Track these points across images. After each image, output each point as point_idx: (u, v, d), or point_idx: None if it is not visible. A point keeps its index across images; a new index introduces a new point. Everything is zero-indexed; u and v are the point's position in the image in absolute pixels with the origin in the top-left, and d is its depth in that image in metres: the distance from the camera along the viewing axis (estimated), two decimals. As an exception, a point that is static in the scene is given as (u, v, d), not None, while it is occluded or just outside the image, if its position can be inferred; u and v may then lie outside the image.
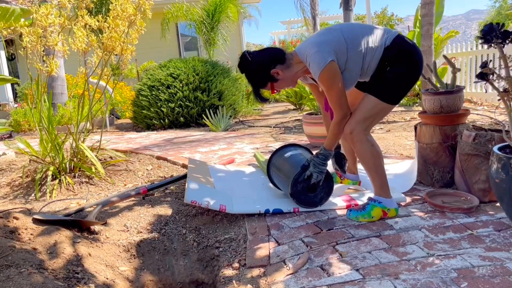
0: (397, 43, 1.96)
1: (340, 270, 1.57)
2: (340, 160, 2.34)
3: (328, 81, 1.89)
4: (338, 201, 2.29)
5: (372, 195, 2.12)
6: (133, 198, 2.68)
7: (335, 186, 2.54)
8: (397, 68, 1.95)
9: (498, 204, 2.06)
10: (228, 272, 1.78)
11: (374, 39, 1.96)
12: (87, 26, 3.08)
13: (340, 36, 1.94)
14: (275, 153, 2.55)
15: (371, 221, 2.01)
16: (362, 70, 2.00)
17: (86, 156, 3.16)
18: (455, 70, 2.38)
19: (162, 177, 3.30)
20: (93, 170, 3.12)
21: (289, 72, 2.02)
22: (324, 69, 1.86)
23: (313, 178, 2.12)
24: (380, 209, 2.01)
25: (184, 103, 6.67)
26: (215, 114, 6.37)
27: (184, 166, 3.49)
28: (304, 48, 1.99)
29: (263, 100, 2.12)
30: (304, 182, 2.18)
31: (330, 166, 2.90)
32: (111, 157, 3.59)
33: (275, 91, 2.06)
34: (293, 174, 2.20)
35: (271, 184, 2.67)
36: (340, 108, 1.95)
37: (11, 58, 12.46)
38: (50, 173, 2.97)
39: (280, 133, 5.26)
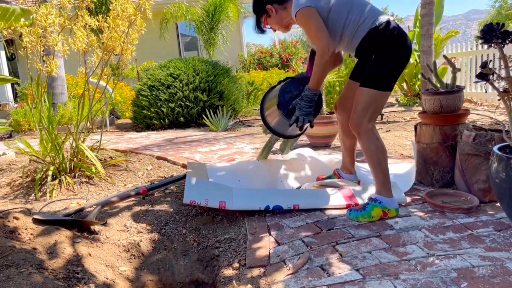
0: (381, 30, 1.99)
1: (340, 270, 1.57)
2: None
3: (304, 18, 2.00)
4: (338, 197, 2.27)
5: (373, 191, 2.11)
6: (133, 198, 2.68)
7: (329, 181, 2.55)
8: (379, 56, 2.02)
9: (498, 204, 2.06)
10: (228, 272, 1.78)
11: (365, 10, 2.02)
12: (87, 26, 3.08)
13: None
14: (263, 100, 2.45)
15: (371, 221, 2.01)
16: (344, 35, 2.06)
17: (86, 156, 3.16)
18: (455, 70, 2.38)
19: (162, 177, 3.30)
20: (93, 170, 3.12)
21: (284, 13, 2.16)
22: (300, 10, 2.00)
23: (299, 122, 2.07)
24: (381, 209, 2.01)
25: (184, 103, 6.67)
26: (215, 114, 6.37)
27: (184, 166, 3.49)
28: None
29: (261, 31, 2.28)
30: (292, 92, 2.14)
31: (329, 167, 2.92)
32: (111, 157, 3.59)
33: (267, 26, 2.24)
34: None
35: (270, 172, 2.65)
36: (319, 40, 1.97)
37: (11, 58, 12.46)
38: (50, 173, 2.97)
39: (280, 133, 5.26)
